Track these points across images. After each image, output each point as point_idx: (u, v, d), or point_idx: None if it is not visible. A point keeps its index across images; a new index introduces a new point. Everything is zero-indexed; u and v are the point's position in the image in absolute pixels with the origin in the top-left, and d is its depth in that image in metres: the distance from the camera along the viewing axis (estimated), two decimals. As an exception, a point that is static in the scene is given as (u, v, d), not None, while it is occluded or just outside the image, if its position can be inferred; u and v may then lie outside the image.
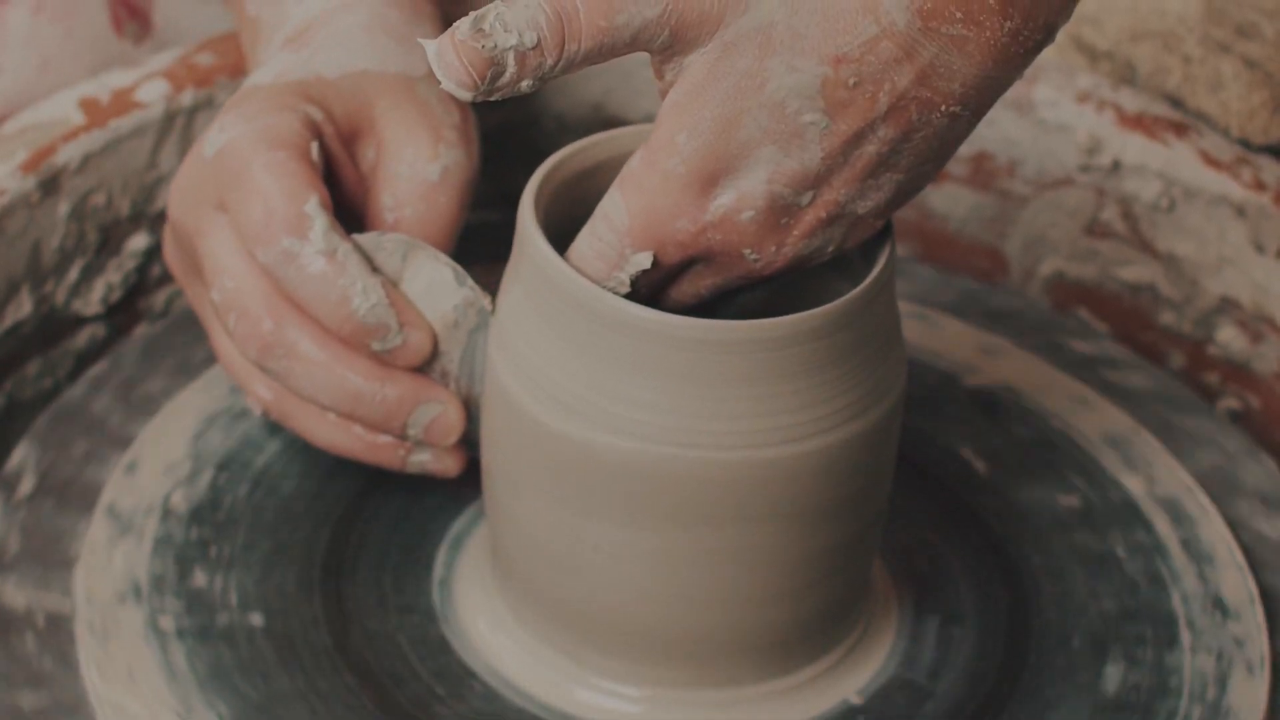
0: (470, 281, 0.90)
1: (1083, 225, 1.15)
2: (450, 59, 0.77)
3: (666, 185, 0.81)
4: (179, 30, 1.16)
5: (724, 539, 0.85)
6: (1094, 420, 1.05)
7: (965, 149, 1.15)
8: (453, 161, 0.95)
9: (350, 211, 0.96)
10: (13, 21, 1.10)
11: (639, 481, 0.84)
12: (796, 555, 0.86)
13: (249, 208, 0.90)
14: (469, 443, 0.93)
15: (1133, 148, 1.12)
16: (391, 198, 0.95)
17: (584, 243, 0.84)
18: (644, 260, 0.83)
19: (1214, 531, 0.99)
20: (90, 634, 0.89)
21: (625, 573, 0.86)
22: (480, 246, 0.99)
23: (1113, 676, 0.92)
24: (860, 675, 0.91)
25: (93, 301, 1.07)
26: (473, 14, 0.77)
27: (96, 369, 1.02)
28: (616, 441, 0.83)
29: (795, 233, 0.83)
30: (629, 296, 0.83)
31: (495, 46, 0.77)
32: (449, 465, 0.94)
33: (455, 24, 0.77)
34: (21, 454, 0.97)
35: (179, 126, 1.07)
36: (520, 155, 1.15)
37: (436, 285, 0.91)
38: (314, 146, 0.92)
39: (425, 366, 0.92)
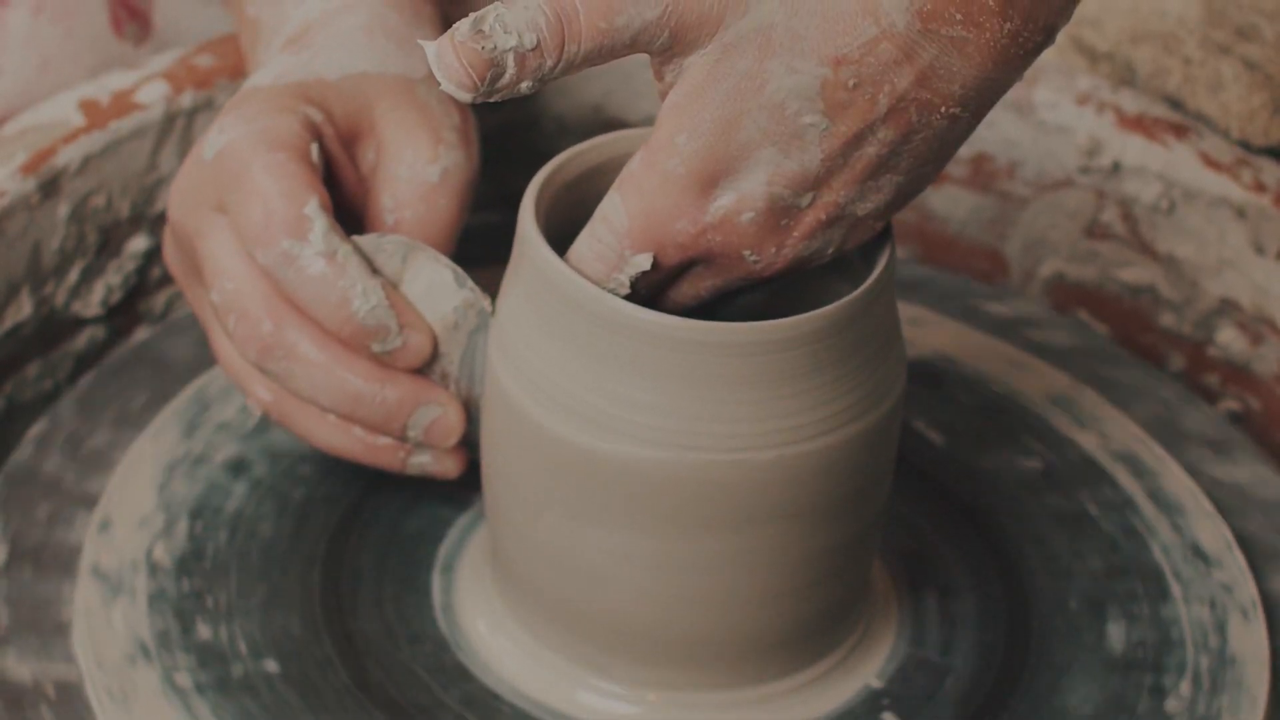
0: (470, 283, 0.90)
1: (1083, 227, 1.15)
2: (450, 60, 0.77)
3: (666, 187, 0.81)
4: (179, 32, 1.16)
5: (725, 541, 0.85)
6: (1034, 381, 1.07)
7: (965, 150, 1.15)
8: (452, 163, 0.95)
9: (350, 213, 0.96)
10: (13, 23, 1.10)
11: (639, 484, 0.84)
12: (797, 556, 0.86)
13: (249, 209, 0.90)
14: (469, 444, 0.93)
15: (1133, 149, 1.12)
16: (391, 199, 0.95)
17: (583, 244, 0.84)
18: (644, 262, 0.83)
19: (1176, 481, 1.02)
20: (109, 699, 0.87)
21: (626, 575, 0.86)
22: (480, 248, 0.99)
23: (1116, 635, 0.94)
24: (876, 659, 0.92)
25: (93, 303, 1.07)
26: (472, 15, 0.77)
27: (37, 428, 1.00)
28: (616, 444, 0.83)
29: (795, 234, 0.83)
30: (629, 298, 0.83)
31: (495, 48, 0.77)
32: (449, 467, 0.94)
33: (455, 25, 0.77)
34: None
35: (179, 128, 1.07)
36: (520, 157, 1.15)
37: (436, 287, 0.91)
38: (314, 148, 0.92)
39: (425, 368, 0.92)
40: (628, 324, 0.82)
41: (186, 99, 1.07)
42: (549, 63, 0.78)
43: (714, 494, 0.84)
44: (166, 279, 1.10)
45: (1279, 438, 1.10)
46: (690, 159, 0.80)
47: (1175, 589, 0.96)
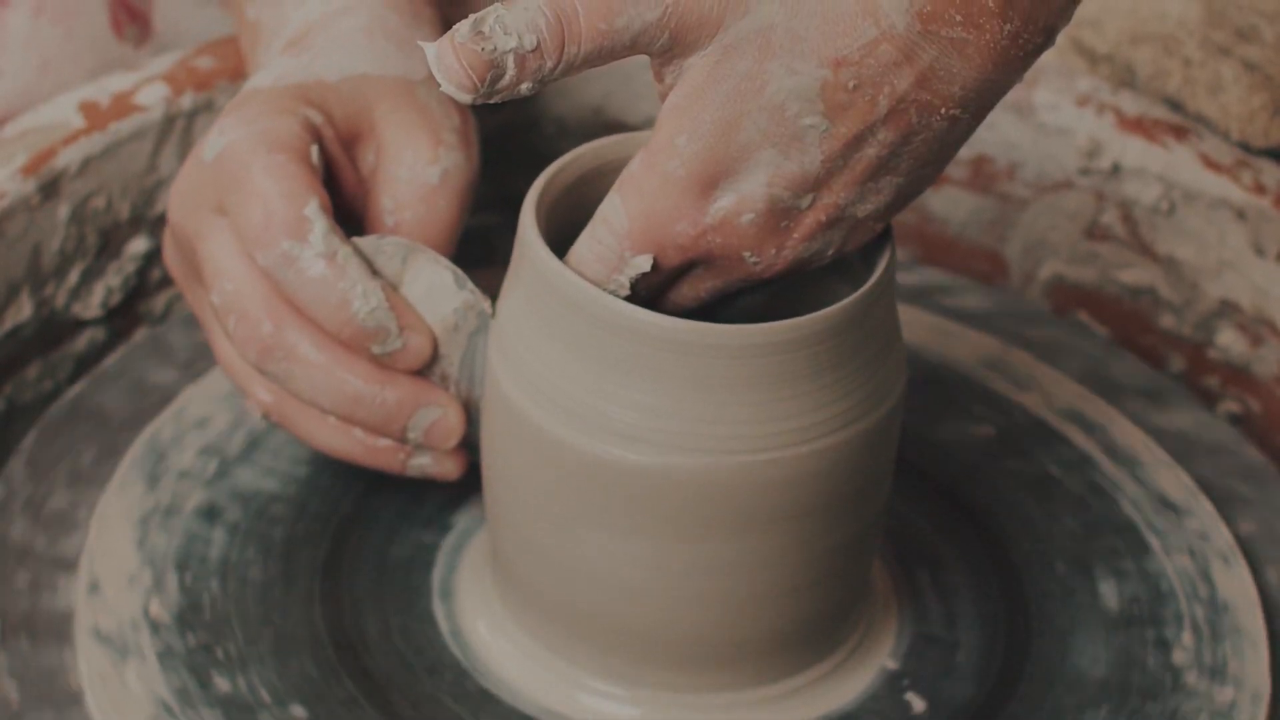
0: (470, 284, 0.90)
1: (1083, 228, 1.15)
2: (450, 62, 0.77)
3: (666, 188, 0.81)
4: (179, 33, 1.16)
5: (725, 542, 0.85)
6: (962, 347, 1.08)
7: (965, 152, 1.15)
8: (452, 164, 0.95)
9: (350, 214, 0.96)
10: (13, 24, 1.10)
11: (639, 486, 0.84)
12: (797, 557, 0.86)
13: (249, 211, 0.90)
14: (469, 446, 0.93)
15: (1133, 151, 1.12)
16: (391, 201, 0.95)
17: (583, 246, 0.84)
18: (643, 263, 0.83)
19: (1126, 434, 1.03)
20: None
21: (626, 576, 0.86)
22: (480, 250, 0.99)
23: (1109, 593, 0.95)
24: (886, 642, 0.93)
25: (93, 305, 1.07)
26: (472, 17, 0.77)
27: None
28: (617, 447, 0.83)
29: (795, 235, 0.83)
30: (629, 300, 0.83)
31: (495, 49, 0.77)
32: (449, 468, 0.94)
33: (455, 27, 0.77)
34: None
35: (179, 130, 1.07)
36: (520, 158, 1.15)
37: (436, 288, 0.91)
38: (314, 150, 0.92)
39: (425, 370, 0.92)
40: (628, 326, 0.82)
41: (186, 101, 1.07)
42: (549, 64, 0.78)
43: (714, 496, 0.84)
44: (166, 281, 1.10)
45: (1279, 440, 1.10)
46: (690, 160, 0.80)
47: (1154, 541, 0.98)
